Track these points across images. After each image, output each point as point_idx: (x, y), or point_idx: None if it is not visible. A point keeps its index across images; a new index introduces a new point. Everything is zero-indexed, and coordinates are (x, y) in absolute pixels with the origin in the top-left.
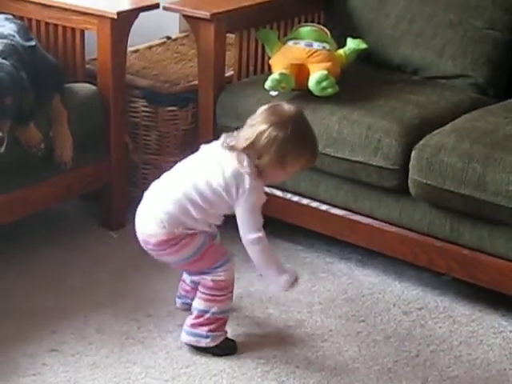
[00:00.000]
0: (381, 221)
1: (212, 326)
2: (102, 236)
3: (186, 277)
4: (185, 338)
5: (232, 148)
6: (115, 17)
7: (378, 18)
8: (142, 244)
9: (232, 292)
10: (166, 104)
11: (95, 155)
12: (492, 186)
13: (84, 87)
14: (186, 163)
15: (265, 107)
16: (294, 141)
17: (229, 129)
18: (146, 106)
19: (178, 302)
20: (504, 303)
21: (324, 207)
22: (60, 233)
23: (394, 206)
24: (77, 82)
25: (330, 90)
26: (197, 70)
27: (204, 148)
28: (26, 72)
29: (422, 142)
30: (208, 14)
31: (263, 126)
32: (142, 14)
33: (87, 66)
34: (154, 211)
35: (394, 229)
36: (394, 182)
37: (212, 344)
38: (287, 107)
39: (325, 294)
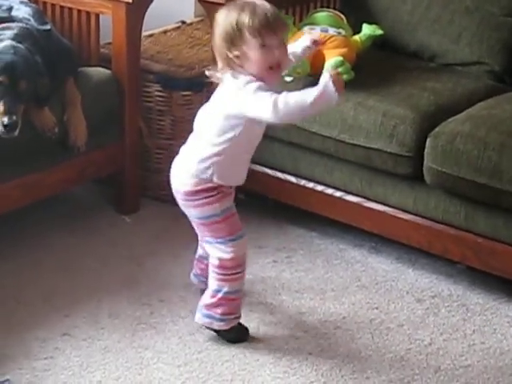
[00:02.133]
0: (395, 208)
1: (226, 308)
2: (116, 220)
3: (200, 254)
4: (199, 318)
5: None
6: (130, 1)
7: (395, 3)
8: (174, 194)
9: (244, 271)
10: (180, 89)
11: (109, 139)
12: (507, 174)
13: (98, 71)
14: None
15: None
16: (247, 11)
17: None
18: (160, 91)
19: (194, 280)
20: None
21: (338, 194)
22: (73, 217)
23: (409, 193)
24: (91, 66)
25: (345, 76)
26: (211, 55)
27: None
28: (41, 56)
29: (437, 130)
30: None
31: (216, 32)
32: None
33: (102, 50)
34: (187, 162)
35: (408, 216)
36: (409, 169)
37: (225, 327)
38: None
39: (338, 280)
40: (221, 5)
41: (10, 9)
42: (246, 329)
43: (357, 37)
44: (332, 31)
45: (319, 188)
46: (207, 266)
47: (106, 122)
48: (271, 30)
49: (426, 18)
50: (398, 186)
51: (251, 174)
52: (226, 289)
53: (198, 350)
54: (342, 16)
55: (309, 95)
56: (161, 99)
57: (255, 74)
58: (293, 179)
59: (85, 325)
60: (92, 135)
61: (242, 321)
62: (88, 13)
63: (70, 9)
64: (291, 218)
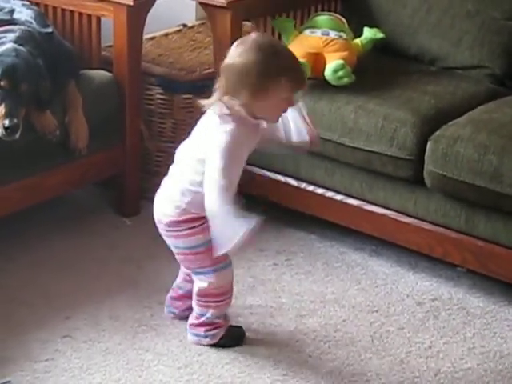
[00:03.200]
0: (395, 211)
1: (209, 327)
2: (116, 223)
3: (177, 283)
4: (189, 337)
5: (210, 104)
6: (132, 4)
7: (396, 7)
8: (157, 224)
9: (229, 297)
10: (181, 92)
11: (110, 142)
12: (508, 178)
13: (99, 74)
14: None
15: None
16: (264, 60)
17: None
18: (161, 94)
19: (166, 310)
20: None
21: (339, 197)
22: (74, 219)
23: (409, 196)
24: (92, 68)
25: (346, 80)
26: (213, 58)
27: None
28: (43, 59)
29: (437, 133)
30: (225, 1)
31: (228, 62)
32: (158, 2)
33: (103, 52)
34: (170, 193)
35: (408, 219)
36: (410, 172)
37: (213, 341)
38: (250, 36)
39: (338, 283)
40: (222, 8)
41: (12, 11)
42: (240, 328)
43: (358, 40)
44: (333, 34)
45: (319, 191)
46: (179, 297)
47: (107, 125)
48: (302, 86)
49: (426, 22)
50: (398, 190)
51: (252, 176)
52: (209, 314)
53: (198, 353)
54: (343, 19)
55: (229, 222)
56: (162, 102)
57: (256, 115)
58: (293, 182)
59: (85, 327)
60: (93, 138)
61: (242, 325)
62: (89, 16)
63: (72, 11)
64: (291, 220)
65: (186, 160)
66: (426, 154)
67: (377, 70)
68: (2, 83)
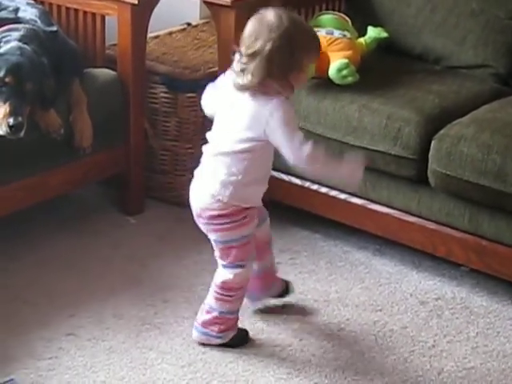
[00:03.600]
0: (399, 210)
1: (222, 326)
2: (120, 221)
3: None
4: (196, 336)
5: (246, 87)
6: (136, 2)
7: (400, 6)
8: (196, 217)
9: (243, 295)
10: (185, 90)
11: (114, 141)
12: (511, 178)
13: (104, 73)
14: (217, 125)
15: (249, 26)
16: (295, 38)
17: None
18: (165, 92)
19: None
20: None
21: (342, 196)
22: (78, 218)
23: (413, 195)
24: (97, 67)
25: (350, 79)
26: (217, 57)
27: (219, 95)
28: (47, 57)
29: (441, 132)
30: (229, 0)
31: (263, 46)
32: (162, 0)
33: (107, 51)
34: (209, 185)
35: (412, 219)
36: (413, 171)
37: (223, 341)
38: (269, 14)
39: (342, 282)
40: (227, 7)
41: (17, 10)
42: (246, 332)
43: (362, 39)
44: (337, 34)
45: (323, 190)
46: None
47: (111, 124)
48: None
49: (430, 21)
50: (402, 189)
51: None
52: (223, 309)
53: (201, 351)
54: (347, 19)
55: (339, 167)
56: (166, 101)
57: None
58: (297, 181)
59: (89, 325)
60: (97, 136)
61: (245, 323)
62: (94, 14)
63: (76, 10)
64: (295, 219)
65: (223, 151)
66: (430, 153)
67: (381, 70)
68: (7, 81)
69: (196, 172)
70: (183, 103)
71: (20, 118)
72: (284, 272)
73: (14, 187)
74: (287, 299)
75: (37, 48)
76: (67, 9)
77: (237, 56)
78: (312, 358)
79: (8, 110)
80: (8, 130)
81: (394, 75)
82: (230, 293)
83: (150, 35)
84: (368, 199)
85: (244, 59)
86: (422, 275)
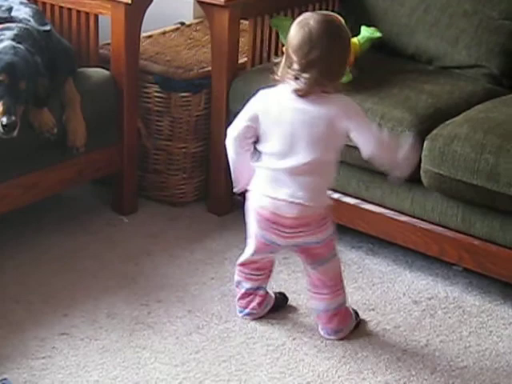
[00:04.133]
0: (392, 210)
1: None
2: (114, 221)
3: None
4: (339, 336)
5: (308, 92)
6: (129, 2)
7: (393, 6)
8: (283, 228)
9: None
10: (179, 90)
11: (107, 140)
12: (504, 177)
13: (97, 72)
14: (282, 138)
15: (298, 35)
16: (345, 40)
17: None
18: (158, 92)
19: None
20: None
21: (336, 195)
22: (71, 217)
23: (406, 195)
24: (90, 66)
25: (344, 78)
26: (210, 56)
27: (275, 106)
28: (41, 56)
29: (434, 132)
30: (222, 0)
31: (318, 53)
32: (156, 0)
33: (101, 50)
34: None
35: (405, 218)
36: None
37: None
38: (312, 21)
39: None
40: (220, 7)
41: (10, 9)
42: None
43: (355, 39)
44: None
45: None
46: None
47: (105, 123)
48: None
49: (424, 21)
50: (395, 188)
51: None
52: (343, 300)
53: (195, 350)
54: (341, 18)
55: (400, 153)
56: (159, 100)
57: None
58: None
59: (83, 324)
60: (91, 136)
61: (238, 323)
62: (87, 13)
63: (70, 9)
64: None
65: (320, 148)
66: (423, 153)
67: (374, 70)
68: (1, 80)
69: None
70: (176, 103)
71: (13, 117)
72: (277, 271)
73: (7, 186)
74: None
75: (30, 47)
76: (60, 8)
77: (283, 65)
78: (305, 358)
79: (1, 109)
80: (1, 130)
81: (387, 75)
82: (333, 288)
83: (143, 35)
84: (361, 199)
85: (299, 67)
86: (414, 275)
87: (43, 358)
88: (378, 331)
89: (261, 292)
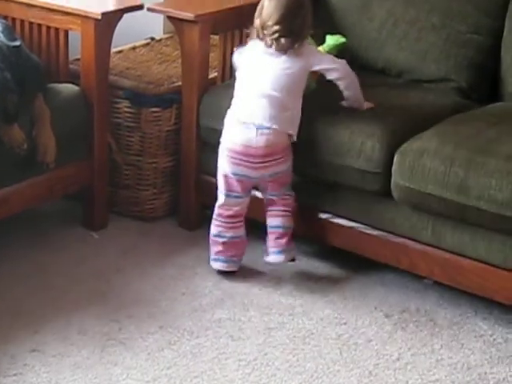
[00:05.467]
0: (363, 224)
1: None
2: (84, 236)
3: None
4: (283, 258)
5: (284, 48)
6: (99, 17)
7: (362, 20)
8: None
9: None
10: (149, 105)
11: (78, 156)
12: (474, 191)
13: (67, 87)
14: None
15: (275, 5)
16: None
17: (212, 130)
18: (129, 107)
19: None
20: (485, 307)
21: (306, 209)
22: (41, 233)
23: (376, 209)
24: (60, 82)
25: (310, 87)
26: (180, 71)
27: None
28: (11, 72)
29: (404, 146)
30: (192, 15)
31: (298, 23)
32: (126, 15)
33: (71, 66)
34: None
35: (375, 232)
36: (377, 185)
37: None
38: None
39: (306, 296)
40: (190, 22)
41: None
42: None
43: (320, 47)
44: None
45: None
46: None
47: (75, 138)
48: None
49: (393, 35)
50: (365, 202)
51: (212, 188)
52: (291, 224)
53: (166, 366)
54: None
55: (360, 93)
56: (130, 115)
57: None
58: (260, 195)
59: (54, 341)
60: (61, 151)
61: (210, 337)
62: (57, 29)
63: (39, 25)
64: (259, 234)
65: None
66: (393, 167)
67: None
68: None
69: None
70: (147, 118)
71: None
72: (249, 286)
73: None
74: (252, 313)
75: (0, 63)
76: (30, 23)
77: (258, 30)
78: (277, 373)
79: None
80: None
81: None
82: (292, 207)
83: (113, 50)
84: (332, 213)
85: (282, 32)
86: (386, 288)
87: (14, 374)
88: (350, 345)
89: (242, 239)
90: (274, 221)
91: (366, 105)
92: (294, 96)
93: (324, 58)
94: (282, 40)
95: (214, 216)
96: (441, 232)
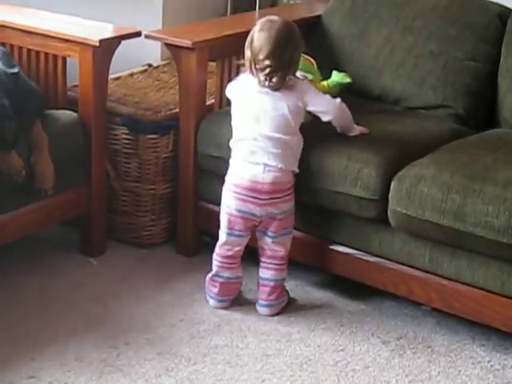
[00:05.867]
0: (360, 250)
1: (284, 290)
2: (82, 263)
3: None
4: (270, 310)
5: (277, 86)
6: (97, 44)
7: (359, 48)
8: (260, 195)
9: None
10: (146, 132)
11: (76, 182)
12: (471, 217)
13: (65, 114)
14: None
15: (265, 37)
16: (300, 39)
17: (209, 157)
18: (126, 134)
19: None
20: (482, 333)
21: (303, 236)
22: (40, 259)
23: (374, 235)
24: (58, 108)
25: (305, 119)
26: (178, 98)
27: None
28: (9, 99)
29: (401, 173)
30: (190, 42)
31: (289, 56)
32: (123, 42)
33: (69, 92)
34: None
35: (373, 259)
36: (374, 212)
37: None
38: (279, 24)
39: (303, 322)
40: (188, 49)
41: None
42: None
43: (325, 82)
44: (298, 74)
45: None
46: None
47: (73, 165)
48: None
49: (390, 62)
50: (362, 229)
51: (210, 214)
52: (284, 276)
53: None
54: (313, 61)
55: (352, 122)
56: (127, 142)
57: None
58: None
59: (51, 367)
60: (59, 178)
61: (207, 363)
62: (55, 56)
63: (38, 52)
64: (255, 260)
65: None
66: (390, 194)
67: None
68: None
69: None
70: (144, 144)
71: None
72: (246, 312)
73: None
74: (250, 339)
75: None
76: (29, 50)
77: (250, 62)
78: None
79: None
80: None
81: (354, 116)
82: (285, 260)
83: (111, 76)
84: (329, 239)
85: (273, 67)
86: (383, 315)
87: None
88: (348, 372)
89: (238, 280)
90: (266, 273)
91: (360, 130)
92: (295, 133)
93: (318, 100)
94: (274, 79)
95: (214, 255)
96: (438, 259)
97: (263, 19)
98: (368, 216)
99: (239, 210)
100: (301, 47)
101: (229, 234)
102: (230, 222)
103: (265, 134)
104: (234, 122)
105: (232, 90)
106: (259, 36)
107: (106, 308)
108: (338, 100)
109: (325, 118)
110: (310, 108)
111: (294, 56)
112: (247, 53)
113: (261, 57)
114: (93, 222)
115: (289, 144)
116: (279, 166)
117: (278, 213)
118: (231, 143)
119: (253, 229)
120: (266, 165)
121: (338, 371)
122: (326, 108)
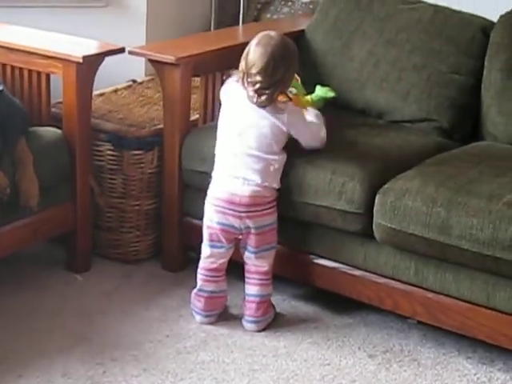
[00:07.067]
0: (345, 264)
1: (271, 305)
2: (68, 279)
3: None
4: (257, 326)
5: (265, 104)
6: (81, 61)
7: (343, 61)
8: (237, 207)
9: None
10: (131, 148)
11: (61, 199)
12: (456, 230)
13: (49, 131)
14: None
15: (261, 54)
16: (295, 59)
17: (194, 172)
18: (111, 150)
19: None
20: (468, 346)
21: (287, 251)
22: (25, 275)
23: (359, 249)
24: (42, 125)
25: None
26: (162, 114)
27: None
28: None
29: (386, 186)
30: (173, 58)
31: (282, 74)
32: (107, 58)
33: (53, 109)
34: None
35: (358, 272)
36: (359, 225)
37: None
38: (276, 41)
39: (290, 337)
40: (171, 65)
41: None
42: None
43: (308, 97)
44: None
45: None
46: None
47: (58, 182)
48: None
49: (374, 76)
50: (347, 243)
51: (195, 229)
52: (270, 291)
53: None
54: (297, 76)
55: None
56: (112, 158)
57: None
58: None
59: None
60: (44, 195)
61: (194, 379)
62: (39, 73)
63: (21, 69)
64: (241, 275)
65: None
66: (375, 208)
67: (324, 124)
68: None
69: None
70: (129, 161)
71: None
72: (232, 328)
73: None
74: (236, 355)
75: None
76: (12, 67)
77: (243, 74)
78: None
79: None
80: None
81: (338, 130)
82: (269, 275)
83: (95, 93)
84: (314, 254)
85: (263, 84)
86: (369, 328)
87: None
88: None
89: (223, 294)
90: (252, 289)
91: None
92: (279, 151)
93: (302, 129)
94: (263, 96)
95: (198, 269)
96: (423, 272)
97: (263, 33)
98: (353, 230)
99: (220, 223)
100: (294, 67)
101: (212, 247)
102: (211, 234)
103: (245, 150)
104: (218, 132)
105: (225, 95)
106: (255, 50)
107: (92, 324)
108: (323, 133)
109: (302, 141)
110: (292, 132)
111: (285, 75)
112: (242, 64)
113: (253, 71)
114: (78, 239)
115: (269, 162)
116: (259, 181)
117: (255, 227)
118: (215, 151)
119: (236, 242)
120: (245, 179)
121: None
122: (310, 143)
